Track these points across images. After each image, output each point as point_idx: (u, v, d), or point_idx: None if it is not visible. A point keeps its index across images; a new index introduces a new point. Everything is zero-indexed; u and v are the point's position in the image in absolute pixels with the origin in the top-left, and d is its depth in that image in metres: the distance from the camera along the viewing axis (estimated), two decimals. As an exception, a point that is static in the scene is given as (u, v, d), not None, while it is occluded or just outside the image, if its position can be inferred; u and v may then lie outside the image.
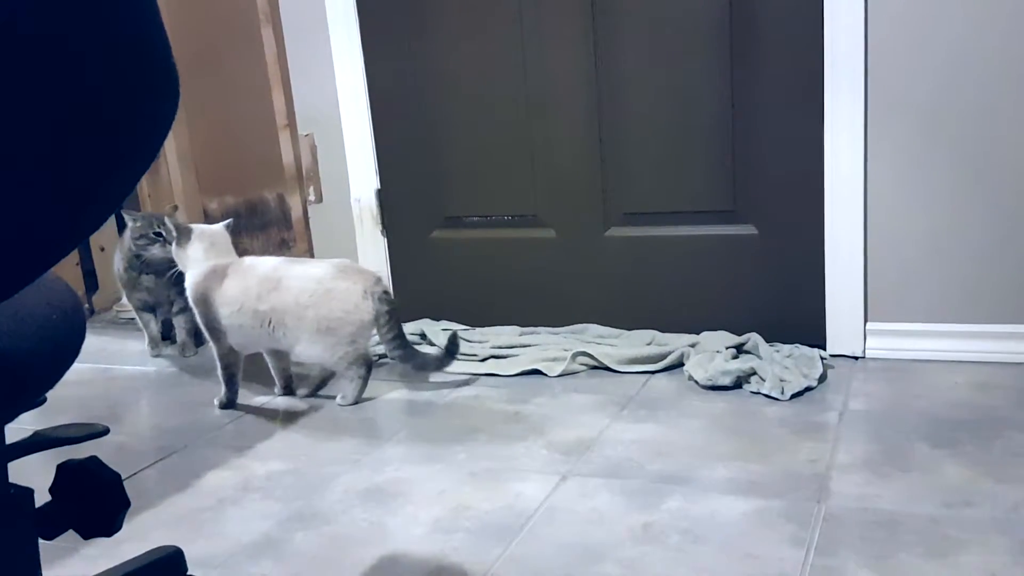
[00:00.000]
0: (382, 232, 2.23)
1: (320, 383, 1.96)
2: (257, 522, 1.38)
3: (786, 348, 1.83)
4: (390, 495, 1.43)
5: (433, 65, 2.09)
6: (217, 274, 1.84)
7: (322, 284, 1.77)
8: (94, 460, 0.74)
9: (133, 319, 2.41)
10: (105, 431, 0.88)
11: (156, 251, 2.15)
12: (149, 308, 2.31)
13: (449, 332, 2.09)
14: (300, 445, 1.66)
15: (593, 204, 2.04)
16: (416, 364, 1.83)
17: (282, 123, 2.69)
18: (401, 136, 2.16)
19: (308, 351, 1.81)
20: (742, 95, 1.87)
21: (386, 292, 1.80)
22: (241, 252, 2.99)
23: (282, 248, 3.00)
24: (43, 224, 0.60)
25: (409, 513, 1.37)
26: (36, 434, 0.84)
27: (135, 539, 1.35)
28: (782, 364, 1.75)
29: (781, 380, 1.69)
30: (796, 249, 1.88)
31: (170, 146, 2.94)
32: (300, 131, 2.30)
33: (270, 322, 1.80)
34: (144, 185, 2.96)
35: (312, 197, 2.30)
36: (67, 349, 0.79)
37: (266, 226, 3.02)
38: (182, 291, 2.00)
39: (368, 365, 1.84)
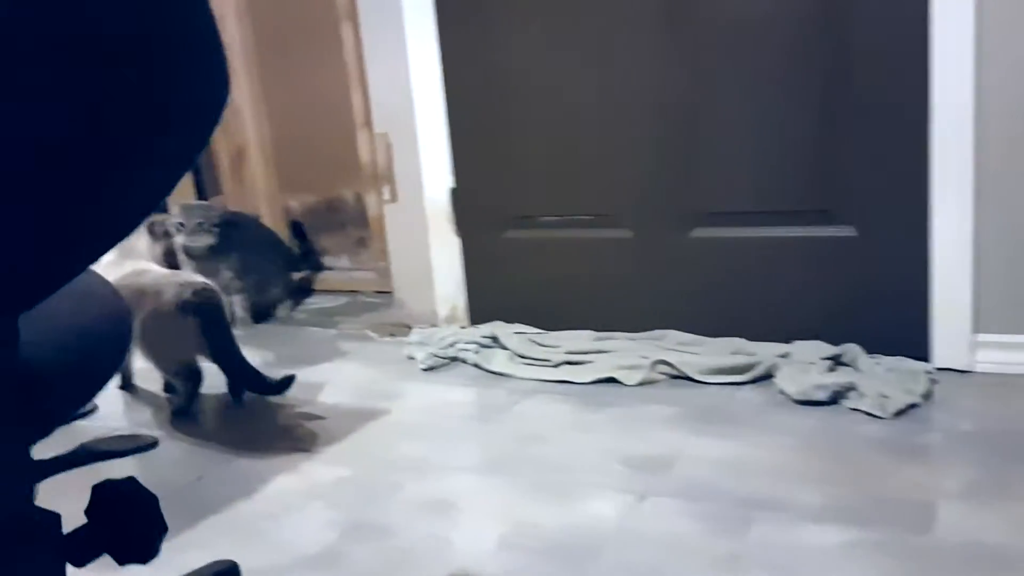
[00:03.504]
0: (455, 232, 2.17)
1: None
2: (319, 532, 1.33)
3: (887, 361, 1.69)
4: (454, 508, 1.37)
5: (510, 62, 2.03)
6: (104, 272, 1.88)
7: (144, 295, 1.75)
8: (131, 481, 0.69)
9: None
10: (154, 443, 0.84)
11: (179, 241, 2.37)
12: None
13: (522, 335, 2.02)
14: (367, 449, 1.62)
15: (675, 203, 1.93)
16: (239, 378, 1.78)
17: (360, 121, 2.67)
18: (476, 134, 2.11)
19: (142, 358, 1.85)
20: (838, 81, 1.73)
21: (204, 303, 1.73)
22: (319, 252, 3.00)
23: (359, 247, 2.98)
24: (72, 222, 0.54)
25: (473, 528, 1.31)
26: (82, 447, 0.80)
27: (197, 546, 1.32)
28: (883, 378, 1.61)
29: (882, 396, 1.55)
30: (898, 252, 1.74)
31: (253, 145, 2.96)
32: (375, 129, 2.26)
33: None
34: (228, 183, 2.99)
35: (387, 196, 2.26)
36: (107, 361, 0.74)
37: (344, 225, 3.01)
38: (236, 274, 2.42)
39: (194, 376, 1.81)
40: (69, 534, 0.69)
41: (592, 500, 1.35)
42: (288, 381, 1.77)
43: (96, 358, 0.73)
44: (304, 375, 2.02)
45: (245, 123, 2.94)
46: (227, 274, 2.43)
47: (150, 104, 0.52)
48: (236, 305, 2.48)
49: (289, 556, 1.28)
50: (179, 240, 2.38)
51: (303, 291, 2.77)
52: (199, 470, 1.57)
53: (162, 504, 1.47)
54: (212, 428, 1.83)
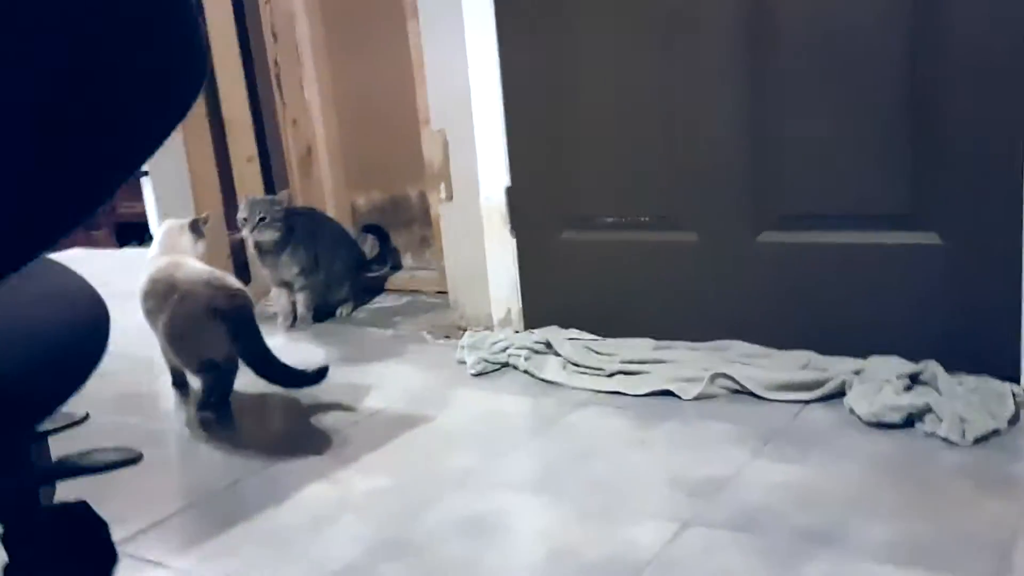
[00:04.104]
0: (511, 232, 2.10)
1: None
2: (346, 547, 1.28)
3: (971, 380, 1.53)
4: (490, 527, 1.30)
5: (569, 59, 1.94)
6: (146, 265, 1.89)
7: (175, 289, 1.75)
8: (82, 505, 0.64)
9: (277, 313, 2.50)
10: (138, 458, 0.79)
11: (244, 235, 2.36)
12: (282, 284, 2.47)
13: (576, 341, 1.93)
14: (407, 459, 1.56)
15: (742, 205, 1.81)
16: (272, 378, 1.74)
17: (424, 119, 2.62)
18: (534, 132, 2.02)
19: (167, 354, 1.87)
20: (920, 74, 1.59)
21: (233, 308, 1.71)
22: (397, 251, 2.97)
23: (422, 245, 2.94)
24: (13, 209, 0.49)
25: (507, 551, 1.23)
26: (60, 461, 0.76)
27: (223, 555, 1.29)
28: (965, 400, 1.46)
29: (962, 420, 1.41)
30: (986, 261, 1.58)
31: (321, 142, 2.95)
32: (432, 126, 2.21)
33: (152, 323, 1.82)
34: (296, 181, 2.99)
35: (443, 194, 2.21)
36: (75, 369, 0.70)
37: (409, 223, 2.97)
38: (303, 270, 2.39)
39: (217, 369, 1.78)
40: (9, 563, 0.64)
41: (636, 526, 1.25)
42: (323, 372, 1.75)
43: (66, 366, 0.68)
44: (353, 376, 1.98)
45: (314, 120, 2.93)
46: (293, 270, 2.41)
47: (113, 65, 0.47)
48: (299, 303, 2.45)
49: (312, 571, 1.23)
50: (244, 234, 2.37)
51: (371, 290, 2.74)
52: (234, 475, 1.54)
53: (193, 509, 1.45)
54: (251, 431, 1.81)
